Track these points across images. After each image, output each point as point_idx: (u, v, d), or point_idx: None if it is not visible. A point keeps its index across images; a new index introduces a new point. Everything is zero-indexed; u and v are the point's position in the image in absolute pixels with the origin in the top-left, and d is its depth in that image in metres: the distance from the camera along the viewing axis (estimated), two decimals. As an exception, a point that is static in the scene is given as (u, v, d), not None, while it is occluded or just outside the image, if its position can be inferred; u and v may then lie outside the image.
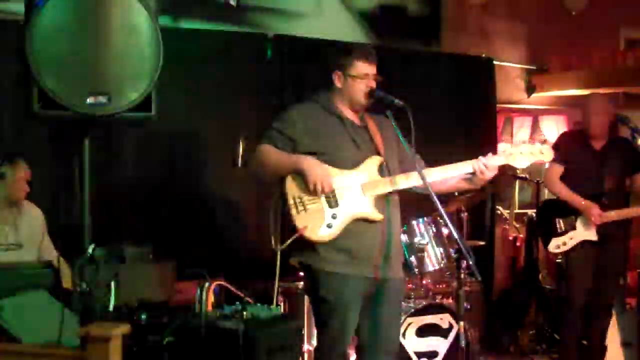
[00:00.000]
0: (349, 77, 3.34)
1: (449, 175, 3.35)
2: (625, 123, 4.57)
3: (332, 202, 3.24)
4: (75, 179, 2.99)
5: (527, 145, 3.41)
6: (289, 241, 3.25)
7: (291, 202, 3.23)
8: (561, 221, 4.70)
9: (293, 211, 3.22)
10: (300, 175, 3.23)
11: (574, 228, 4.66)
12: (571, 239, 4.66)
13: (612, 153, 4.66)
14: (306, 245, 3.25)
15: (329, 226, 3.22)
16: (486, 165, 3.27)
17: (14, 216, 3.93)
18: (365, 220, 3.27)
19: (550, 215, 4.77)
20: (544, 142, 3.50)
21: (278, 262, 3.38)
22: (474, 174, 3.32)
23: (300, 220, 3.21)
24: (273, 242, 3.31)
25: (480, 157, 3.31)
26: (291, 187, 3.25)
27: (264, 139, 3.35)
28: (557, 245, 4.72)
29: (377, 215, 3.27)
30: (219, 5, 4.99)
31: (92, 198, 2.98)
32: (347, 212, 3.25)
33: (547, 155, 3.43)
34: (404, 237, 4.33)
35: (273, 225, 3.33)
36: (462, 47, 6.05)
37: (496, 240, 6.16)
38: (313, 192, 3.20)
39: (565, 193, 4.67)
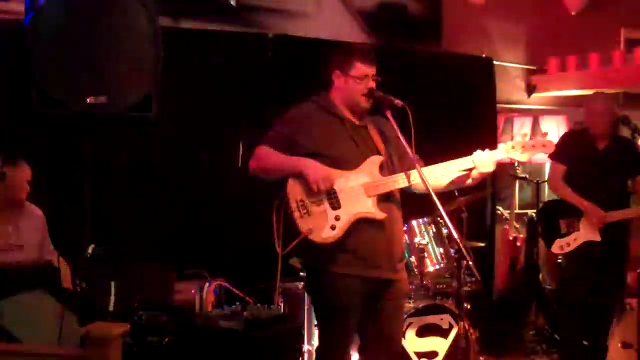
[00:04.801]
0: (349, 78, 3.33)
1: (449, 171, 3.35)
2: (625, 123, 4.56)
3: (334, 203, 3.23)
4: (75, 179, 3.00)
5: (527, 139, 3.41)
6: (292, 244, 3.23)
7: (294, 205, 3.21)
8: (565, 222, 4.68)
9: (296, 214, 3.20)
10: (301, 178, 3.22)
11: (577, 229, 4.64)
12: (575, 240, 4.63)
13: (615, 153, 4.65)
14: (309, 246, 3.23)
15: (333, 228, 3.21)
16: (485, 158, 3.29)
17: (16, 217, 3.91)
18: (368, 220, 3.26)
19: (553, 216, 4.76)
20: (545, 134, 3.48)
21: (280, 264, 3.37)
22: (473, 168, 3.32)
23: (304, 224, 3.20)
24: (276, 245, 3.30)
25: (478, 151, 3.31)
26: (293, 191, 3.23)
27: (263, 140, 3.34)
28: (561, 246, 4.69)
29: (380, 215, 3.26)
30: (219, 5, 4.99)
31: (92, 198, 2.98)
32: (350, 212, 3.23)
33: (548, 147, 3.40)
34: (404, 237, 4.33)
35: (276, 227, 3.31)
36: (462, 47, 6.04)
37: (496, 240, 6.15)
38: (315, 192, 3.19)
39: (568, 193, 4.65)
